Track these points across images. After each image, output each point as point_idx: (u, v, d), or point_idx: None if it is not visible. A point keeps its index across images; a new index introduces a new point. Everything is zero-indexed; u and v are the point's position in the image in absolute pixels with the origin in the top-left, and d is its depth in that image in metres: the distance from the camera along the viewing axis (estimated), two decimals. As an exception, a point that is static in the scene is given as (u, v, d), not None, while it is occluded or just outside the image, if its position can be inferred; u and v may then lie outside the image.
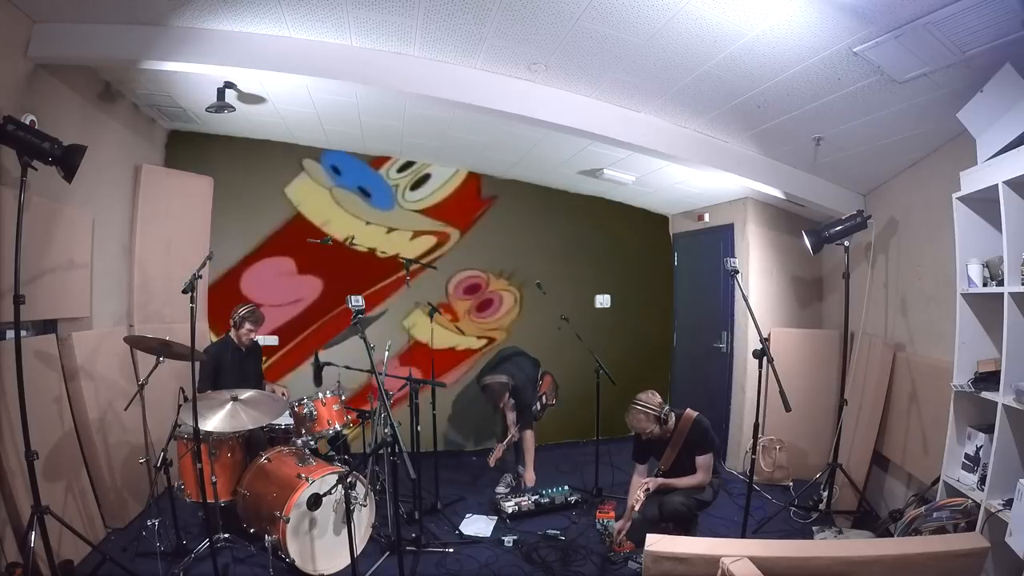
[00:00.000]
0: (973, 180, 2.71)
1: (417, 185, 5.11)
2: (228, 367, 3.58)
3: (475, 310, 5.28)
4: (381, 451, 3.48)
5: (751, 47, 2.64)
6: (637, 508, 3.10)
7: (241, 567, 2.99)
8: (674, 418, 3.24)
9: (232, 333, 3.66)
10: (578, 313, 4.88)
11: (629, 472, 3.48)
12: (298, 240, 4.73)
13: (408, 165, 5.06)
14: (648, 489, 3.13)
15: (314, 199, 4.82)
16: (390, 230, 5.00)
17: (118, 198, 3.68)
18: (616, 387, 4.05)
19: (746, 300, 3.15)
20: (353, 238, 4.82)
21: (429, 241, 5.14)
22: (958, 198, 2.79)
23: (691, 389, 5.61)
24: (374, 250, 4.95)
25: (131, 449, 3.43)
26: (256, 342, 3.89)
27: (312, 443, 3.34)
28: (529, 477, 4.19)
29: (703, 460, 3.19)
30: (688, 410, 3.29)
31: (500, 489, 4.23)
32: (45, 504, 2.41)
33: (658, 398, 3.23)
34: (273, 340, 4.58)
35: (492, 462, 3.99)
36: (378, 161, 4.99)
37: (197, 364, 3.32)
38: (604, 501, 3.87)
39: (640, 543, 2.52)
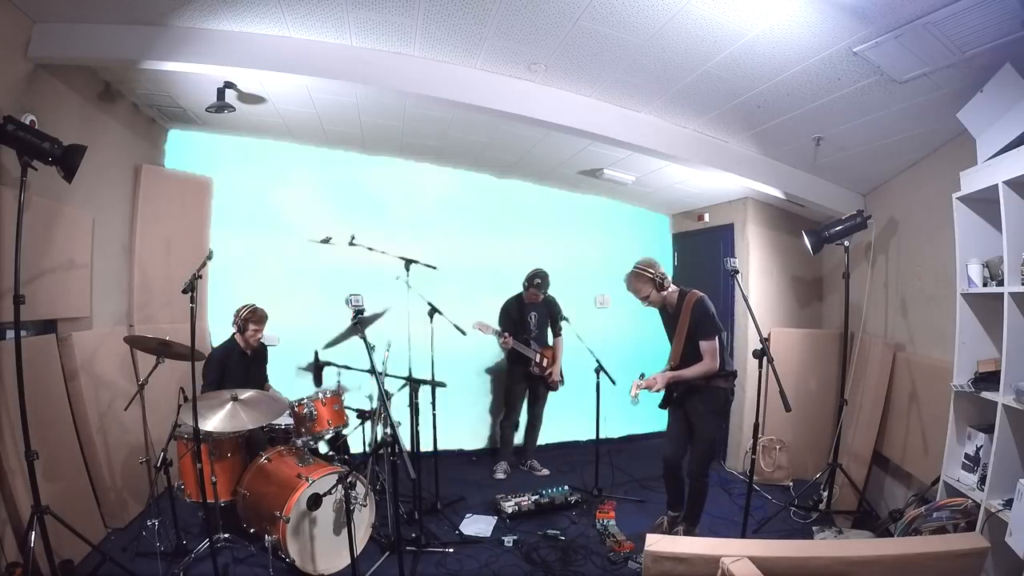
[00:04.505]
0: (973, 180, 2.72)
1: (411, 188, 5.08)
2: (233, 371, 3.52)
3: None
4: (381, 451, 3.48)
5: (751, 47, 2.64)
6: (656, 388, 3.14)
7: (241, 567, 2.99)
8: (678, 294, 3.25)
9: (238, 337, 3.60)
10: (578, 313, 4.87)
11: (628, 472, 3.47)
12: (293, 240, 4.70)
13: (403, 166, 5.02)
14: (658, 389, 3.16)
15: (305, 202, 4.78)
16: (381, 235, 4.89)
17: (118, 198, 3.68)
18: (616, 387, 4.05)
19: (746, 300, 3.15)
20: (354, 237, 4.81)
21: (421, 247, 5.07)
22: (958, 198, 2.79)
23: (691, 389, 5.61)
24: (371, 249, 4.92)
25: (131, 449, 3.43)
26: (263, 344, 3.85)
27: (312, 443, 3.34)
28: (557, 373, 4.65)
29: (706, 346, 3.13)
30: (694, 290, 3.27)
31: (499, 475, 4.52)
32: (45, 504, 2.41)
33: (660, 268, 3.24)
34: (274, 340, 4.56)
35: (507, 342, 4.40)
36: (370, 165, 4.94)
37: (200, 368, 3.34)
38: (604, 501, 3.86)
39: (640, 543, 2.51)
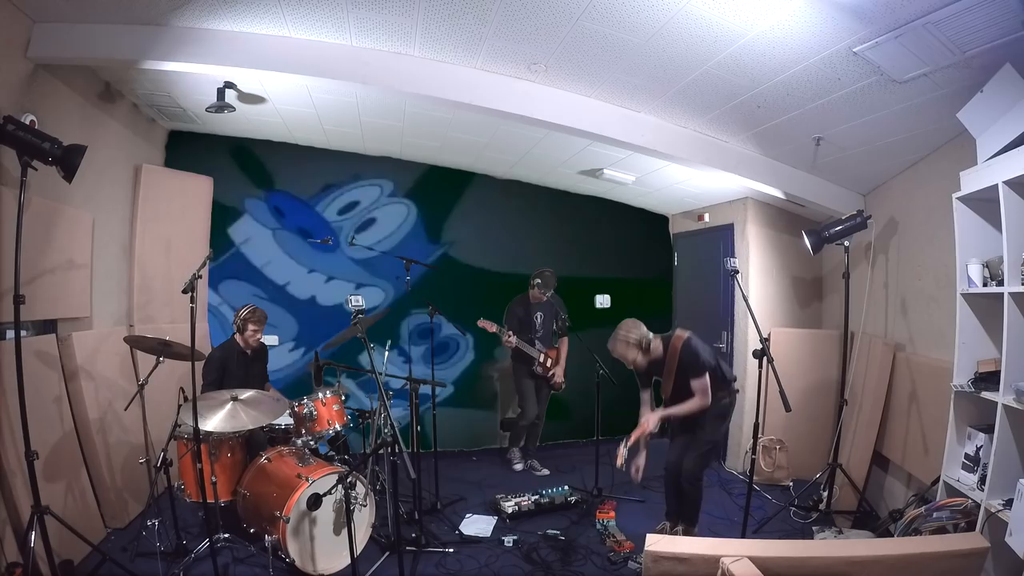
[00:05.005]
0: (973, 180, 2.71)
1: (363, 228, 4.97)
2: (234, 371, 3.51)
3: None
4: (381, 451, 3.48)
5: (751, 47, 2.64)
6: (649, 431, 3.16)
7: (241, 567, 2.99)
8: (662, 345, 3.19)
9: (237, 337, 3.59)
10: (578, 313, 4.88)
11: (628, 472, 3.46)
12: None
13: (351, 207, 4.94)
14: (650, 434, 3.16)
15: (257, 240, 4.70)
16: (329, 279, 4.86)
17: (118, 198, 3.68)
18: (616, 387, 4.05)
19: (746, 300, 3.15)
20: (354, 237, 4.82)
21: (377, 294, 5.01)
22: (958, 198, 2.79)
23: (691, 389, 5.61)
24: (314, 297, 4.84)
25: (131, 449, 3.43)
26: (263, 344, 3.82)
27: (312, 443, 3.34)
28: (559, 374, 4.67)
29: (697, 384, 3.13)
30: (678, 332, 3.22)
31: (518, 466, 4.71)
32: (45, 504, 2.41)
33: (642, 328, 3.17)
34: (273, 340, 4.57)
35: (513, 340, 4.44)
36: (319, 202, 4.88)
37: (201, 367, 3.33)
38: (604, 501, 3.86)
39: (640, 543, 2.51)
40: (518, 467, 4.69)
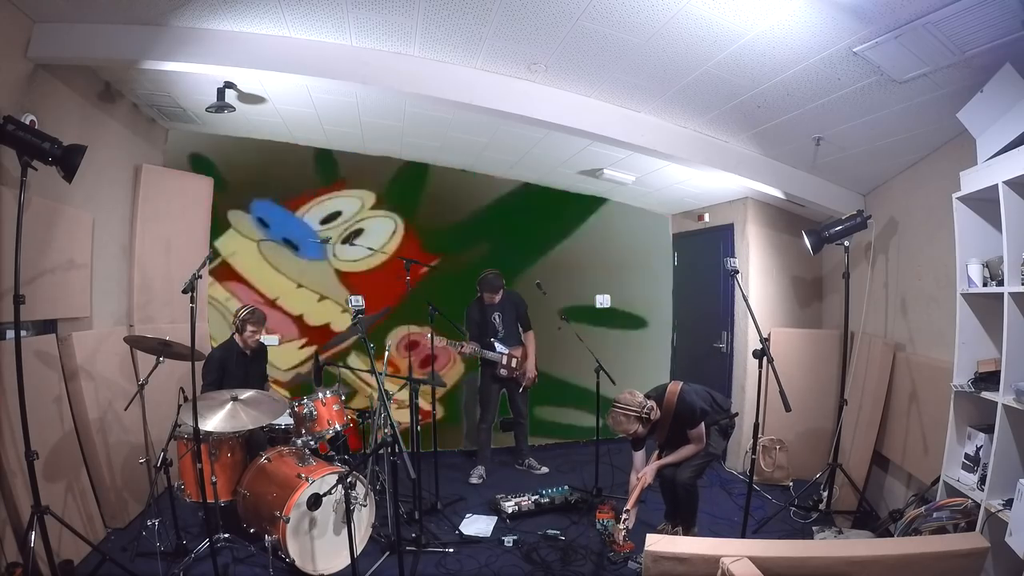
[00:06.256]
0: (973, 180, 2.71)
1: (349, 239, 4.94)
2: (233, 371, 3.51)
3: (419, 365, 4.66)
4: (381, 451, 3.48)
5: (751, 47, 2.64)
6: (633, 503, 3.14)
7: (241, 567, 2.99)
8: (657, 409, 3.10)
9: (236, 337, 3.60)
10: (578, 313, 4.88)
11: (629, 472, 3.47)
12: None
13: (334, 216, 4.93)
14: (647, 484, 3.17)
15: (243, 253, 4.69)
16: (322, 298, 4.83)
17: (118, 198, 3.68)
18: (616, 387, 4.05)
19: (746, 300, 3.15)
20: (353, 237, 4.83)
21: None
22: (958, 198, 2.79)
23: (691, 389, 5.60)
24: (302, 316, 4.82)
25: (131, 449, 3.43)
26: (262, 344, 3.82)
27: (312, 443, 3.34)
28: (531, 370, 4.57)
29: (693, 432, 3.16)
30: (670, 386, 3.20)
31: (473, 480, 4.43)
32: (45, 504, 2.42)
33: (639, 397, 3.07)
34: (273, 340, 4.57)
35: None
36: (299, 207, 4.86)
37: (200, 368, 3.33)
38: (604, 501, 3.86)
39: (640, 543, 2.52)
40: (473, 480, 4.44)
